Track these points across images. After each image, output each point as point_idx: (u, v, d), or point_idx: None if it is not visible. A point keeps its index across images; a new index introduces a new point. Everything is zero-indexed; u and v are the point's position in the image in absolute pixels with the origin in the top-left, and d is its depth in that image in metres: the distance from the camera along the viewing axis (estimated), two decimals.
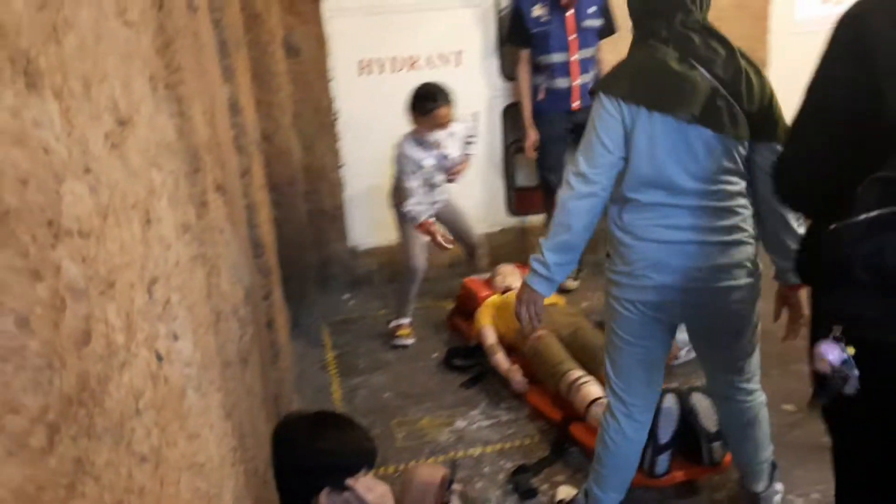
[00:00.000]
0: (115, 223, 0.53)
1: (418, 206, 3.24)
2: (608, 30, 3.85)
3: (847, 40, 1.37)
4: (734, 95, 1.77)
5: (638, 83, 1.80)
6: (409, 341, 3.52)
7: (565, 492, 2.36)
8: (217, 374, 0.93)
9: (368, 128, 4.04)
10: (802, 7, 4.44)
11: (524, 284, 2.00)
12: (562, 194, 1.91)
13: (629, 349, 2.00)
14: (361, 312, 3.96)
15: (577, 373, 2.73)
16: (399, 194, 3.35)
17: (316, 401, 3.05)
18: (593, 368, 2.78)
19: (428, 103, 3.19)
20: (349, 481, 1.48)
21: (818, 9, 4.43)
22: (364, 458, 1.60)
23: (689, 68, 1.77)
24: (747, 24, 4.24)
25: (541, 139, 3.94)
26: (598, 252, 4.18)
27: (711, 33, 1.81)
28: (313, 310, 3.90)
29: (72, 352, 0.44)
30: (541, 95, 3.88)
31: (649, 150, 1.80)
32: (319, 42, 3.81)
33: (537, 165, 4.06)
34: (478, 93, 4.14)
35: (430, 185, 3.36)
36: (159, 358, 0.60)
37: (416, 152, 3.25)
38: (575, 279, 4.04)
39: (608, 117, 1.83)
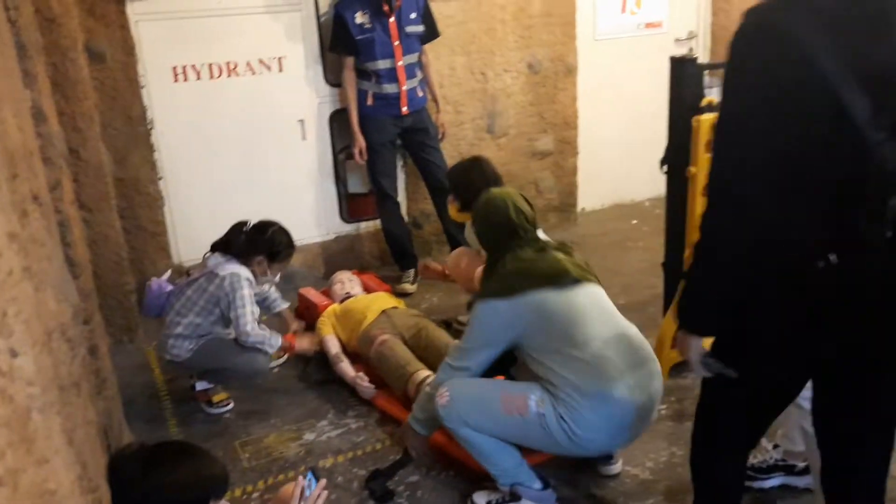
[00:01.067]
0: None
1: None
2: (430, 34, 3.95)
3: (766, 54, 1.35)
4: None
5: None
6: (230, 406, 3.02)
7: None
8: (56, 397, 0.84)
9: (188, 138, 3.84)
10: (603, 18, 4.83)
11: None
12: None
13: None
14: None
15: (423, 373, 2.76)
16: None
17: (149, 431, 2.84)
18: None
19: (290, 249, 2.97)
20: None
21: (618, 19, 4.84)
22: (210, 489, 1.51)
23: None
24: (557, 31, 4.54)
25: (371, 144, 3.96)
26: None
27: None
28: (137, 334, 3.64)
29: None
30: (369, 101, 3.90)
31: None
32: (126, 47, 3.56)
33: (368, 171, 4.06)
34: (302, 100, 4.08)
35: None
36: (8, 372, 0.53)
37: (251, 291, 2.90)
38: (412, 283, 4.09)
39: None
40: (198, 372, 2.96)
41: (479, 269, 3.04)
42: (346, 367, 3.05)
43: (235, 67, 3.86)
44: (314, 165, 4.19)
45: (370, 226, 4.40)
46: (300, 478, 1.76)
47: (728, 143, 1.45)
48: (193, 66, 3.77)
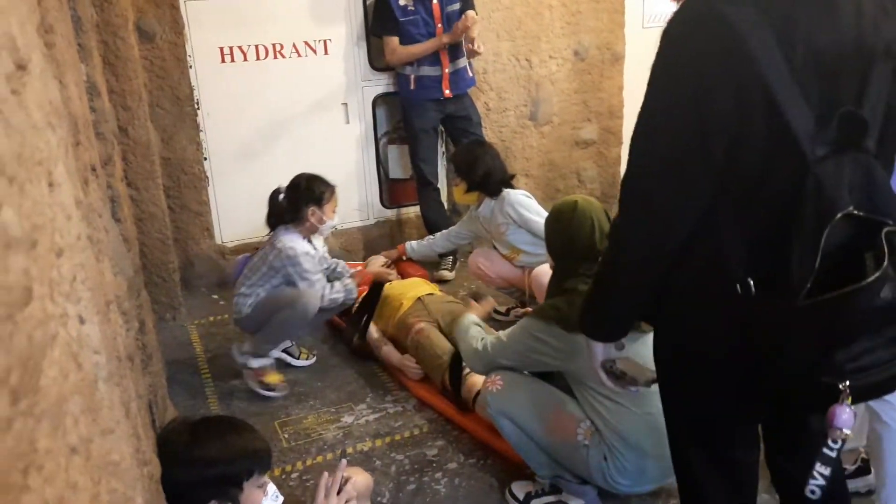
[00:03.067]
0: (26, 176, 0.44)
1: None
2: (464, 8, 3.88)
3: (704, 48, 1.18)
4: None
5: None
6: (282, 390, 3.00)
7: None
8: (115, 368, 0.83)
9: (234, 118, 3.86)
10: (652, 5, 4.73)
11: None
12: None
13: None
14: (229, 313, 3.76)
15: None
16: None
17: (192, 406, 2.87)
18: None
19: (330, 186, 3.00)
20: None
21: (667, 6, 4.73)
22: (254, 463, 1.51)
23: None
24: (605, 18, 4.46)
25: (413, 130, 3.94)
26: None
27: None
28: (180, 312, 3.68)
29: (18, 309, 0.36)
30: (411, 85, 3.87)
31: None
32: (175, 27, 3.59)
33: (410, 156, 4.05)
34: (346, 83, 4.07)
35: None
36: (76, 339, 0.52)
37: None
38: (451, 270, 4.07)
39: None
40: (257, 329, 2.95)
41: (535, 272, 3.04)
42: (391, 351, 3.04)
43: (281, 49, 3.87)
44: (356, 149, 4.19)
45: (410, 212, 4.38)
46: (338, 468, 1.72)
47: (646, 143, 1.27)
48: (240, 47, 3.79)
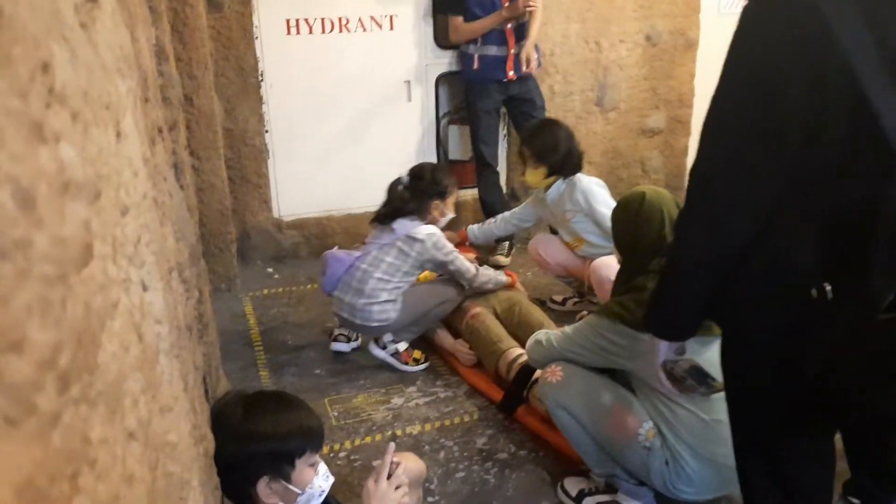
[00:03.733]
0: (92, 118, 0.38)
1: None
2: None
3: (782, 30, 1.08)
4: None
5: None
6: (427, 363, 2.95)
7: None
8: (175, 339, 0.78)
9: (296, 92, 3.84)
10: None
11: None
12: None
13: None
14: (287, 287, 3.77)
15: (516, 351, 2.66)
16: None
17: (243, 379, 2.87)
18: None
19: (452, 179, 2.93)
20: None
21: None
22: (306, 441, 1.47)
23: None
24: (680, 2, 4.28)
25: (475, 110, 3.86)
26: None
27: None
28: (235, 283, 3.69)
29: (74, 270, 0.30)
30: (475, 65, 3.78)
31: None
32: None
33: (471, 137, 3.97)
34: (410, 60, 4.00)
35: None
36: (139, 307, 0.47)
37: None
38: (507, 256, 3.99)
39: None
40: (402, 328, 2.91)
41: (595, 264, 2.93)
42: (444, 335, 2.98)
43: (347, 23, 3.81)
44: (417, 128, 4.12)
45: (467, 194, 4.30)
46: (387, 453, 1.67)
47: (715, 133, 1.19)
48: (306, 20, 3.75)
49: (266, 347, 3.16)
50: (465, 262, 2.86)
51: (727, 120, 1.17)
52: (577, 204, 3.09)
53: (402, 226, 2.82)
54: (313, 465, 1.50)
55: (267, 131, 3.83)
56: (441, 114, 4.19)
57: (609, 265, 2.84)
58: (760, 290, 1.23)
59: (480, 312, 2.87)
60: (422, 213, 2.83)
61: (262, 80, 3.72)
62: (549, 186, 3.19)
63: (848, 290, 1.08)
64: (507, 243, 4.05)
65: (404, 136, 4.11)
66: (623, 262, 2.05)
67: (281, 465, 1.40)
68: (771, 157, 1.11)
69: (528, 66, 3.65)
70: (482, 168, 3.96)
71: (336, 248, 3.09)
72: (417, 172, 2.86)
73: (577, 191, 3.08)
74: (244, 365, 3.01)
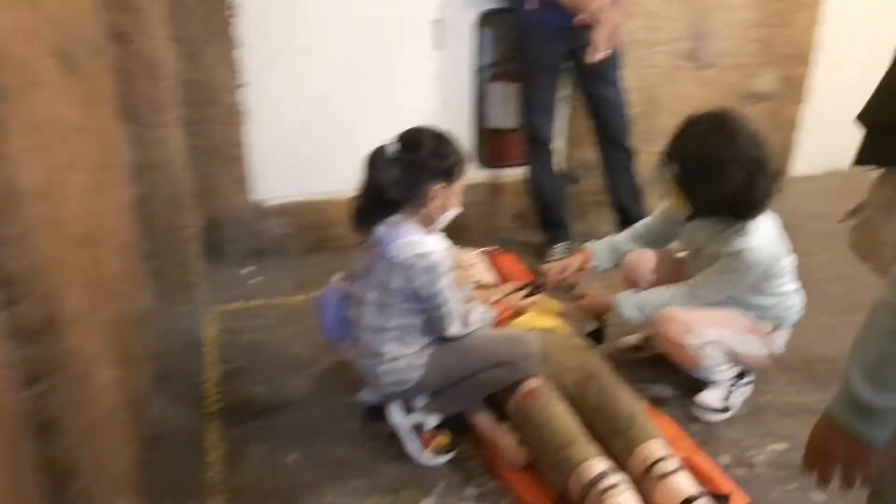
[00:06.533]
0: None
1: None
2: None
3: None
4: None
5: None
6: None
7: None
8: None
9: (284, 31, 2.80)
10: None
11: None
12: None
13: None
14: (268, 297, 2.82)
15: (599, 465, 1.69)
16: None
17: (178, 468, 1.94)
18: (619, 448, 1.77)
19: (461, 152, 1.93)
20: None
21: None
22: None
23: None
24: None
25: (529, 64, 2.81)
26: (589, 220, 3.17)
27: None
28: (196, 291, 2.75)
29: None
30: (531, 4, 2.71)
31: None
32: None
33: (522, 101, 2.92)
34: None
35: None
36: None
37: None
38: None
39: None
40: (441, 388, 1.97)
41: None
42: (485, 417, 2.00)
43: None
44: (448, 85, 3.08)
45: (510, 175, 3.28)
46: None
47: None
48: None
49: (224, 404, 2.21)
50: (453, 316, 1.88)
51: None
52: (728, 246, 2.01)
53: (383, 232, 1.86)
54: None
55: (243, 85, 2.81)
56: (481, 66, 3.12)
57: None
58: None
59: (540, 389, 1.89)
60: (414, 204, 1.85)
61: (235, 14, 2.68)
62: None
63: None
64: (562, 245, 3.05)
65: (429, 94, 3.07)
66: None
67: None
68: None
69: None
70: (534, 145, 2.94)
71: (336, 277, 2.14)
72: (411, 139, 1.85)
73: (737, 237, 1.99)
74: (185, 441, 2.06)
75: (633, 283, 2.30)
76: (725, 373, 2.12)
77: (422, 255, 1.81)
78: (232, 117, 2.82)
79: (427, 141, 1.84)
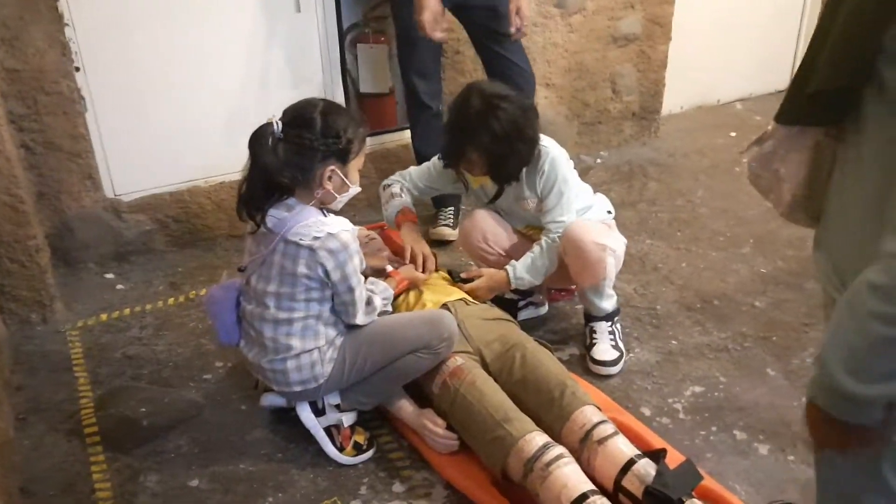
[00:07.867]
0: None
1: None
2: None
3: None
4: None
5: None
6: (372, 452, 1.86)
7: None
8: None
9: (119, 3, 2.46)
10: None
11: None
12: None
13: None
14: (138, 302, 2.52)
15: (538, 438, 1.60)
16: None
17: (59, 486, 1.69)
18: (553, 418, 1.69)
19: (361, 128, 1.74)
20: None
21: None
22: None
23: None
24: None
25: (403, 23, 2.62)
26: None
27: None
28: (53, 309, 2.42)
29: None
30: None
31: None
32: None
33: (400, 64, 2.74)
34: None
35: None
36: None
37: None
38: (454, 227, 2.87)
39: None
40: (354, 382, 1.81)
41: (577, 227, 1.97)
42: (404, 403, 1.87)
43: None
44: (311, 51, 2.84)
45: (390, 140, 3.11)
46: None
47: None
48: None
49: (105, 436, 1.95)
50: (360, 304, 1.75)
51: None
52: (539, 188, 2.07)
53: (276, 217, 1.68)
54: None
55: (78, 68, 2.46)
56: (345, 28, 2.91)
57: (589, 229, 2.03)
58: None
59: (464, 367, 1.78)
60: (306, 187, 1.68)
61: None
62: None
63: None
64: (451, 209, 2.94)
65: (293, 63, 2.82)
66: None
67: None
68: None
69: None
70: (416, 109, 2.76)
71: (225, 274, 1.92)
72: (298, 115, 1.67)
73: (539, 176, 2.06)
74: (66, 482, 1.80)
75: (477, 252, 2.24)
76: (611, 297, 2.14)
77: (329, 237, 1.64)
78: (67, 107, 2.47)
79: (317, 117, 1.65)
